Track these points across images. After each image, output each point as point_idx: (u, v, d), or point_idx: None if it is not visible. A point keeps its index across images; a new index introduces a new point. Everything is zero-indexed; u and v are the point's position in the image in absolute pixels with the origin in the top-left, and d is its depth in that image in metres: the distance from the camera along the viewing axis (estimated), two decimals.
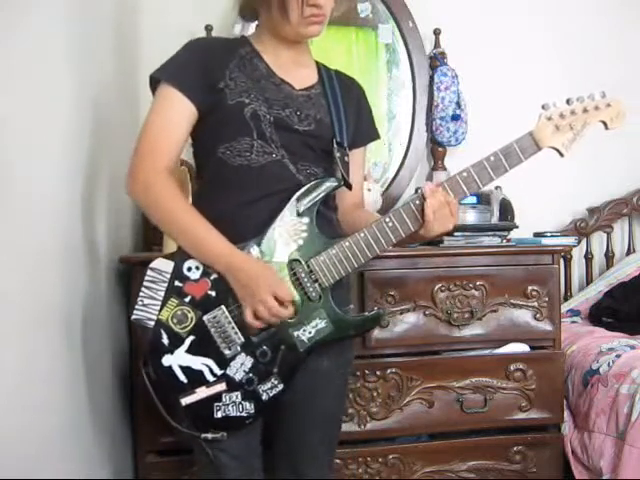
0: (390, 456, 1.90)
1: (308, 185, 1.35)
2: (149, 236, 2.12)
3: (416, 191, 2.44)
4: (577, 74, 2.63)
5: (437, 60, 2.47)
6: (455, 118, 2.44)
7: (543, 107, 1.36)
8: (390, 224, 1.34)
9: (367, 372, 1.87)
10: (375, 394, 1.87)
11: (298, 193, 1.34)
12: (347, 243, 1.34)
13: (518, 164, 1.36)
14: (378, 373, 1.87)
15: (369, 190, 2.16)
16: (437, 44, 2.49)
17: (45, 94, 1.27)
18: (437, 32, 2.49)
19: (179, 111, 1.34)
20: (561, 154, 1.37)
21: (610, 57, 2.66)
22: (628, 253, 2.67)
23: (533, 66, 2.60)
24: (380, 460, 1.90)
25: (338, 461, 1.86)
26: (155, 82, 1.37)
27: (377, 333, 1.87)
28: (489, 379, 1.93)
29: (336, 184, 1.38)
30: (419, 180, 2.52)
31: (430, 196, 1.33)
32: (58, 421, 1.31)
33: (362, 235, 1.34)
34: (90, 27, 1.61)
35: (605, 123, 1.38)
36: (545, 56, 2.62)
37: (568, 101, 1.37)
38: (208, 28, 2.30)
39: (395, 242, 1.36)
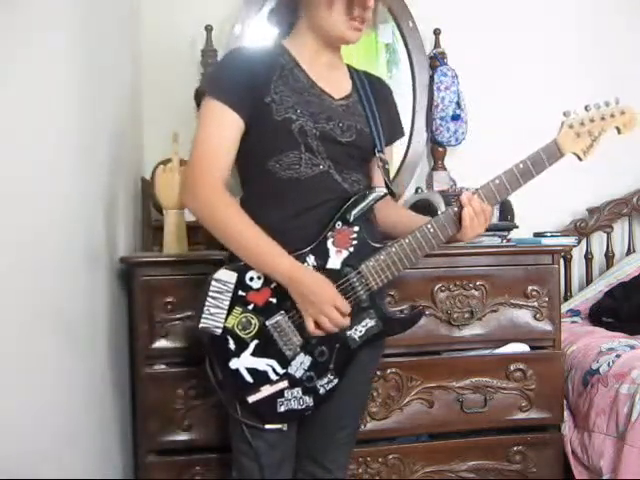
0: (390, 456, 1.90)
1: (357, 195, 1.44)
2: (149, 236, 2.13)
3: (416, 191, 2.44)
4: (576, 73, 2.64)
5: (437, 60, 2.47)
6: (455, 118, 2.44)
7: (564, 114, 1.45)
8: (432, 230, 1.43)
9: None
10: (375, 394, 1.87)
11: (349, 203, 1.42)
12: (393, 249, 1.42)
13: (543, 170, 1.45)
14: (378, 373, 1.87)
15: None
16: (437, 44, 2.50)
17: (49, 95, 1.27)
18: (437, 32, 2.49)
19: (228, 125, 1.39)
20: (580, 159, 1.46)
21: (609, 55, 2.66)
22: (628, 253, 2.67)
23: (533, 66, 2.60)
24: (380, 460, 1.90)
25: None
26: (201, 95, 1.45)
27: None
28: (489, 379, 1.93)
29: (383, 194, 1.46)
30: (419, 180, 2.52)
31: (467, 204, 1.42)
32: (58, 421, 1.31)
33: (407, 241, 1.43)
34: (93, 29, 1.61)
35: (619, 129, 1.47)
36: (545, 56, 2.62)
37: (586, 107, 1.45)
38: (208, 28, 2.30)
39: (437, 247, 1.45)
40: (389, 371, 1.88)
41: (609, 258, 2.66)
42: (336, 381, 1.44)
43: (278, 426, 1.43)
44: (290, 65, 1.45)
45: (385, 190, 1.47)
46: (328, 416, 1.52)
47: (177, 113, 2.25)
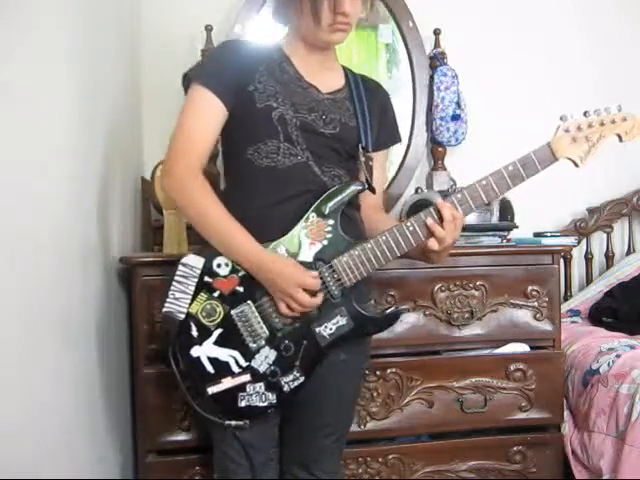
0: (390, 456, 1.90)
1: (334, 188, 1.42)
2: (149, 236, 2.13)
3: (416, 191, 2.44)
4: (577, 73, 2.64)
5: (437, 60, 2.47)
6: (455, 118, 2.44)
7: (561, 118, 1.40)
8: (411, 228, 1.40)
9: (367, 372, 1.87)
10: (375, 394, 1.87)
11: (324, 195, 1.40)
12: (369, 245, 1.39)
13: (535, 174, 1.40)
14: (378, 373, 1.87)
15: None
16: (437, 44, 2.49)
17: (48, 95, 1.27)
18: (437, 32, 2.49)
19: (212, 112, 1.40)
20: (576, 165, 1.41)
21: (611, 56, 2.66)
22: (628, 253, 2.67)
23: (533, 66, 2.60)
24: (380, 460, 1.90)
25: None
26: (188, 81, 1.44)
27: None
28: (489, 379, 1.93)
29: (361, 188, 1.44)
30: (419, 180, 2.52)
31: (443, 206, 1.40)
32: (58, 421, 1.31)
33: (384, 238, 1.39)
34: (92, 28, 1.61)
35: (620, 136, 1.41)
36: (545, 56, 2.62)
37: (585, 113, 1.40)
38: (208, 28, 2.30)
39: (415, 245, 1.40)
40: (389, 371, 1.88)
41: (609, 258, 2.65)
42: (302, 379, 1.40)
43: (239, 422, 1.38)
44: (280, 60, 1.46)
45: (363, 184, 1.44)
46: (312, 422, 1.50)
47: (177, 113, 2.25)
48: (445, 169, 2.49)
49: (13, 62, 1.11)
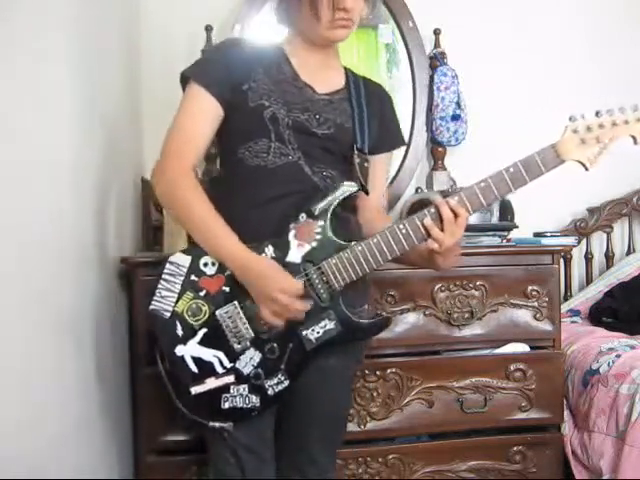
0: (390, 456, 1.90)
1: (326, 188, 1.39)
2: (149, 236, 2.13)
3: (416, 191, 2.44)
4: (578, 73, 2.64)
5: (437, 60, 2.47)
6: (455, 118, 2.44)
7: (570, 119, 1.34)
8: (404, 231, 1.36)
9: (367, 372, 1.87)
10: (375, 394, 1.87)
11: (315, 196, 1.38)
12: (360, 247, 1.36)
13: (539, 176, 1.34)
14: (378, 373, 1.87)
15: None
16: (437, 44, 2.49)
17: (48, 95, 1.27)
18: (437, 32, 2.49)
19: (207, 111, 1.39)
20: (586, 168, 1.35)
21: (611, 55, 2.66)
22: (628, 253, 2.67)
23: (533, 66, 2.60)
24: (380, 460, 1.90)
25: (338, 461, 1.86)
26: (185, 79, 1.43)
27: None
28: (489, 379, 1.93)
29: (353, 189, 1.40)
30: (419, 180, 2.52)
31: (443, 204, 1.35)
32: (58, 421, 1.31)
33: (375, 240, 1.36)
34: (92, 28, 1.61)
35: (635, 138, 1.34)
36: (546, 55, 2.62)
37: (597, 113, 1.33)
38: (208, 28, 2.30)
39: (408, 249, 1.37)
40: (389, 371, 1.88)
41: (609, 258, 2.65)
42: (287, 383, 1.38)
43: (223, 424, 1.37)
44: (279, 60, 1.45)
45: (356, 186, 1.41)
46: (303, 427, 1.48)
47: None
48: (445, 169, 2.49)
49: (11, 63, 1.11)
